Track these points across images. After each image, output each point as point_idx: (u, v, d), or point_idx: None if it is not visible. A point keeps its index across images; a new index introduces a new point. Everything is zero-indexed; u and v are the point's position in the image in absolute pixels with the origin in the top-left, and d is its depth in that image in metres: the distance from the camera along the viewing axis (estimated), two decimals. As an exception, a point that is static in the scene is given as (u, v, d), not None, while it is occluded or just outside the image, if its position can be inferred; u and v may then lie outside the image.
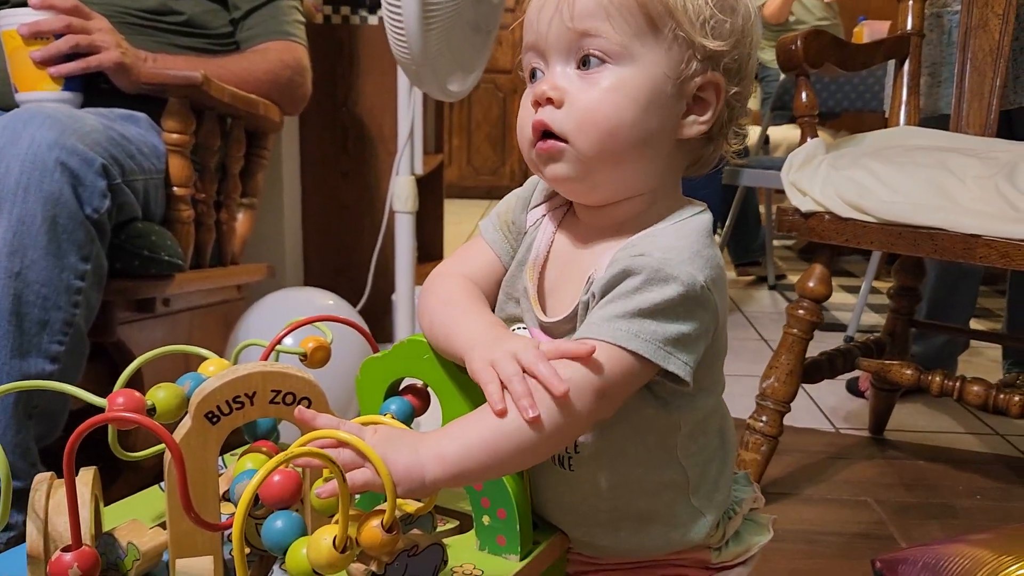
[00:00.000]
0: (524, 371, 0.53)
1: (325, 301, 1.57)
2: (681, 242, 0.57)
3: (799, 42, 1.31)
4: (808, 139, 1.35)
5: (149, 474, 1.23)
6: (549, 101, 0.59)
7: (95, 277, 1.07)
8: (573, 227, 0.66)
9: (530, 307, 0.64)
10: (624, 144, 0.58)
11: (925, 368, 1.37)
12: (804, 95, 1.36)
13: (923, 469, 1.54)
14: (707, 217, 0.61)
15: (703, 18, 0.57)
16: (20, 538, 1.03)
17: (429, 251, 2.84)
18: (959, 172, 1.17)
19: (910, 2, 1.50)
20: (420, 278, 2.03)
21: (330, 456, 0.46)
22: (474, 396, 0.60)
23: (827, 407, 1.85)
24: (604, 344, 0.53)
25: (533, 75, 0.61)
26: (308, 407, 0.57)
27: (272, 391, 0.56)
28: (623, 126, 0.58)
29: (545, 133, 0.59)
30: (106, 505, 0.67)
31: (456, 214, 4.19)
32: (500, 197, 0.73)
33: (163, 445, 0.61)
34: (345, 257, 2.16)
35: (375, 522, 0.50)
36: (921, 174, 1.19)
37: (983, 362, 2.14)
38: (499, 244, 0.68)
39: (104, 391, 1.26)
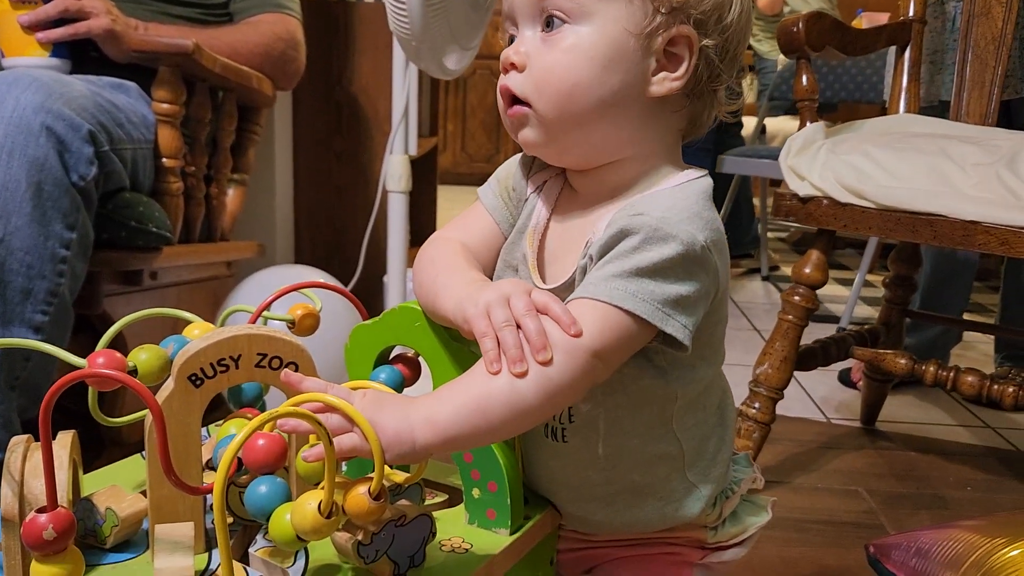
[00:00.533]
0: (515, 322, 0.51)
1: (315, 279, 1.55)
2: (681, 203, 0.55)
3: (800, 24, 1.29)
4: (807, 123, 1.34)
5: (134, 450, 1.21)
6: (513, 66, 0.58)
7: (81, 246, 1.05)
8: (572, 194, 0.64)
9: (528, 275, 0.63)
10: (584, 105, 0.57)
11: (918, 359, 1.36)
12: (804, 78, 1.34)
13: (914, 460, 1.53)
14: (707, 181, 0.59)
15: None
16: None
17: (422, 235, 2.81)
18: (959, 159, 1.16)
19: (912, -11, 1.48)
20: (412, 260, 2.01)
21: (317, 418, 0.44)
22: (466, 366, 0.58)
23: (819, 397, 1.84)
24: (600, 304, 0.52)
25: (511, 43, 0.60)
26: (295, 371, 0.56)
27: (258, 354, 0.54)
28: (579, 86, 0.57)
29: (514, 99, 0.59)
30: (86, 473, 0.65)
31: (450, 200, 4.16)
32: None
33: (145, 410, 0.59)
34: (337, 237, 2.14)
35: (362, 489, 0.49)
36: (921, 160, 1.17)
37: (975, 356, 2.14)
38: (499, 211, 0.66)
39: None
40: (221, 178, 1.46)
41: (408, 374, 0.63)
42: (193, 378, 0.53)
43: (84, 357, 0.53)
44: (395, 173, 1.64)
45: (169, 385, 0.53)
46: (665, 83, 0.57)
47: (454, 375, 0.59)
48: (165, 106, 1.24)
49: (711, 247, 0.54)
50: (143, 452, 0.68)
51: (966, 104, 1.48)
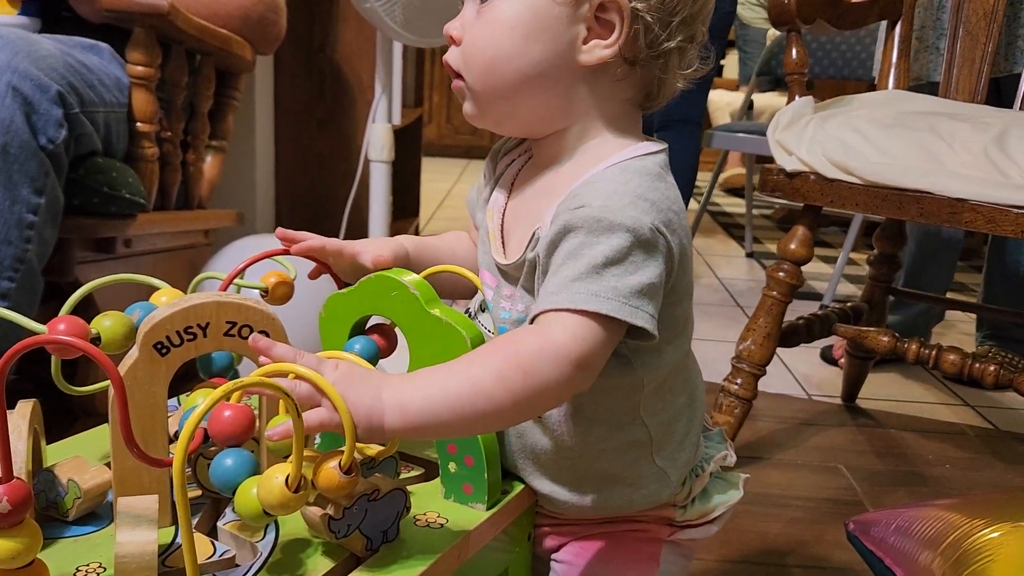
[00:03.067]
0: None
1: (295, 250, 1.53)
2: (622, 186, 0.53)
3: (792, -4, 1.27)
4: (796, 97, 1.32)
5: (105, 420, 1.19)
6: (452, 40, 0.59)
7: (49, 212, 1.02)
8: (531, 167, 0.64)
9: (488, 248, 0.62)
10: (508, 76, 0.57)
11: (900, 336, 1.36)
12: (795, 51, 1.32)
13: (894, 437, 1.54)
14: (656, 158, 0.58)
15: None
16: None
17: (404, 207, 2.79)
18: (948, 137, 1.15)
19: (905, -38, 1.46)
20: (395, 232, 1.98)
21: (285, 389, 0.42)
22: (443, 338, 0.56)
23: (800, 374, 1.84)
24: (566, 313, 0.51)
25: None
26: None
27: (227, 322, 0.52)
28: (499, 58, 0.57)
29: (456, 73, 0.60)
30: (50, 444, 0.63)
31: (435, 172, 4.12)
32: (479, 157, 0.73)
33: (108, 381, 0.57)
34: (318, 207, 2.10)
35: (332, 463, 0.47)
36: (910, 137, 1.16)
37: (955, 335, 2.14)
38: (471, 205, 0.69)
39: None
40: (199, 144, 1.43)
41: (384, 345, 0.61)
42: (159, 346, 0.51)
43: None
44: (377, 142, 1.62)
45: (133, 353, 0.51)
46: (595, 51, 0.56)
47: (431, 348, 0.57)
48: (139, 68, 1.20)
49: (660, 228, 0.52)
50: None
51: (956, 81, 1.47)
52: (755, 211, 3.63)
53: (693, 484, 0.63)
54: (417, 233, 2.88)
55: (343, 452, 0.47)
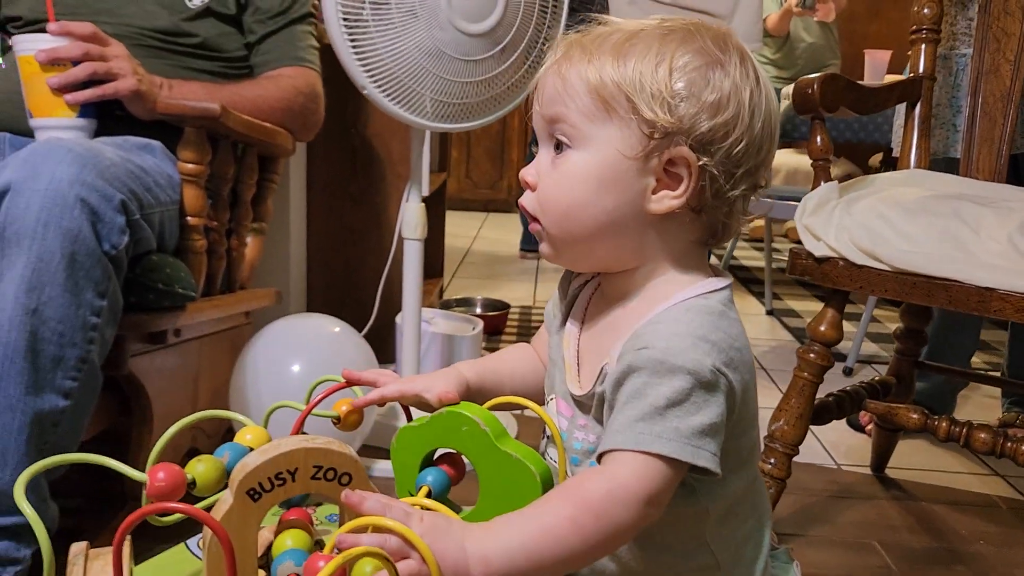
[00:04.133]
0: None
1: (332, 328, 1.57)
2: (684, 327, 0.57)
3: (816, 86, 1.31)
4: (822, 183, 1.36)
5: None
6: (527, 185, 0.63)
7: (111, 313, 1.06)
8: (600, 297, 0.68)
9: (564, 377, 0.65)
10: (582, 224, 0.61)
11: (925, 404, 1.38)
12: (819, 139, 1.36)
13: (925, 511, 1.54)
14: (719, 296, 0.61)
15: (663, 96, 0.57)
16: (26, 572, 1.03)
17: (429, 269, 2.83)
18: (973, 223, 1.18)
19: (923, 45, 1.51)
20: (425, 302, 2.01)
21: (386, 555, 0.46)
22: (512, 473, 0.60)
23: (828, 442, 1.85)
24: (630, 453, 0.54)
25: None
26: (349, 482, 0.57)
27: (314, 466, 0.56)
28: (574, 207, 0.61)
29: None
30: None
31: (454, 226, 4.18)
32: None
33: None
34: (350, 281, 2.15)
35: (421, 612, 0.50)
36: (935, 224, 1.19)
37: (981, 398, 2.15)
38: (550, 319, 0.72)
39: (113, 422, 1.25)
40: (242, 231, 1.48)
41: (453, 474, 0.64)
42: (251, 493, 0.54)
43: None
44: (411, 221, 1.66)
45: (228, 500, 0.54)
46: (664, 201, 0.60)
47: (500, 481, 0.60)
48: (191, 166, 1.26)
49: (721, 368, 0.56)
50: (187, 541, 0.69)
51: (976, 160, 1.51)
52: (773, 264, 3.65)
53: (760, 607, 0.65)
54: (442, 295, 2.92)
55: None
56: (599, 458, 0.57)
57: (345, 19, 1.34)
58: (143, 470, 0.65)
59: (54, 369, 1.01)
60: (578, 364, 0.66)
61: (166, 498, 0.54)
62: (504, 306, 2.69)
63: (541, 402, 0.70)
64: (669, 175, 0.59)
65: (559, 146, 0.61)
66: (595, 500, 0.53)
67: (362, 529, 0.50)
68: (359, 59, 1.37)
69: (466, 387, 0.69)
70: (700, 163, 0.58)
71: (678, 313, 0.59)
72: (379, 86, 1.39)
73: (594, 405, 0.62)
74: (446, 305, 2.66)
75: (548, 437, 0.68)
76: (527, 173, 0.63)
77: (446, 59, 1.38)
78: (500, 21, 1.37)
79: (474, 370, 0.71)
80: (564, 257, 0.64)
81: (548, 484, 0.60)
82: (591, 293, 0.69)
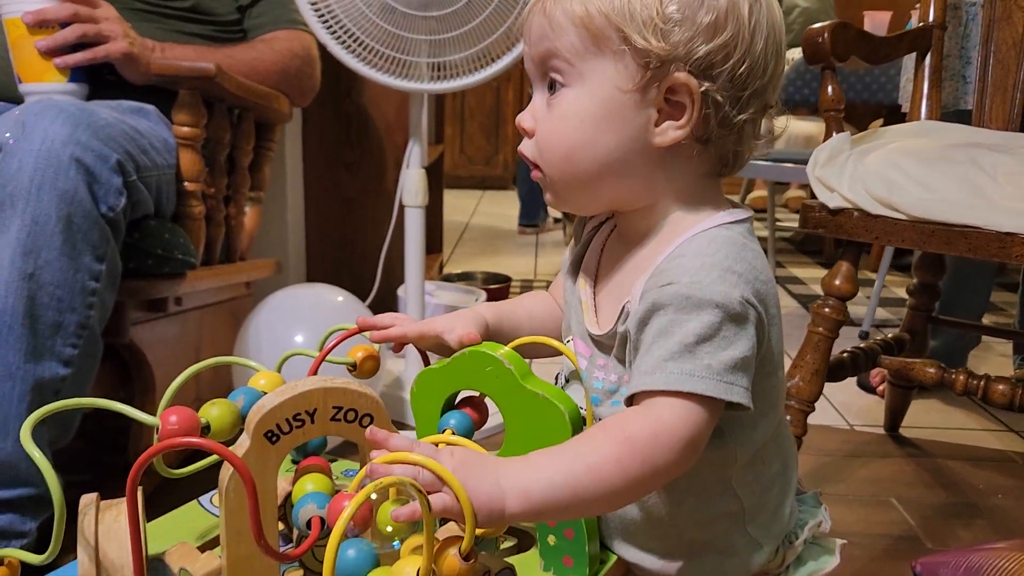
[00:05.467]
0: None
1: (335, 297, 1.53)
2: (709, 259, 0.54)
3: (826, 34, 1.28)
4: (833, 134, 1.33)
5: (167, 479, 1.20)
6: (524, 132, 0.61)
7: (110, 278, 1.03)
8: (617, 237, 0.65)
9: (581, 318, 0.63)
10: (585, 166, 0.58)
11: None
12: (830, 89, 1.33)
13: (941, 467, 1.53)
14: (740, 227, 0.58)
15: (655, 22, 0.54)
16: (32, 545, 1.00)
17: (428, 243, 2.79)
18: (991, 169, 1.15)
19: (933, -6, 1.47)
20: (426, 271, 1.98)
21: (418, 485, 0.43)
22: (539, 412, 0.57)
23: (839, 403, 1.83)
24: (671, 397, 0.51)
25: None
26: (370, 423, 0.54)
27: (333, 407, 0.53)
28: (575, 149, 0.58)
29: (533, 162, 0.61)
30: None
31: (451, 203, 4.15)
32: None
33: (206, 460, 0.58)
34: (348, 251, 2.12)
35: (452, 551, 0.47)
36: (953, 171, 1.17)
37: (993, 357, 2.13)
38: (565, 263, 0.69)
39: (115, 392, 1.22)
40: (240, 198, 1.44)
41: (476, 418, 0.62)
42: (269, 435, 0.51)
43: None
44: (412, 188, 1.63)
45: (245, 442, 0.51)
46: (669, 132, 0.57)
47: (527, 422, 0.58)
48: (186, 129, 1.22)
49: (750, 299, 0.53)
50: (200, 498, 0.67)
51: (988, 110, 1.48)
52: (776, 234, 3.63)
53: (787, 552, 0.63)
54: (442, 269, 2.89)
55: (461, 538, 0.47)
56: (628, 400, 0.54)
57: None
58: (148, 439, 0.62)
59: (53, 336, 0.98)
60: (595, 304, 0.63)
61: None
62: (506, 279, 2.66)
63: None
64: (671, 104, 0.56)
65: (553, 86, 0.58)
66: (640, 442, 0.50)
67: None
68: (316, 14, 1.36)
69: (485, 327, 0.66)
70: (702, 89, 0.55)
71: (700, 244, 0.56)
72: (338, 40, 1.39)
73: (616, 345, 0.59)
74: (447, 279, 2.63)
75: (566, 379, 0.66)
76: (523, 119, 0.60)
77: (396, 13, 1.34)
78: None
79: (492, 311, 0.68)
80: (570, 202, 0.62)
81: (577, 424, 0.57)
82: (607, 235, 0.66)
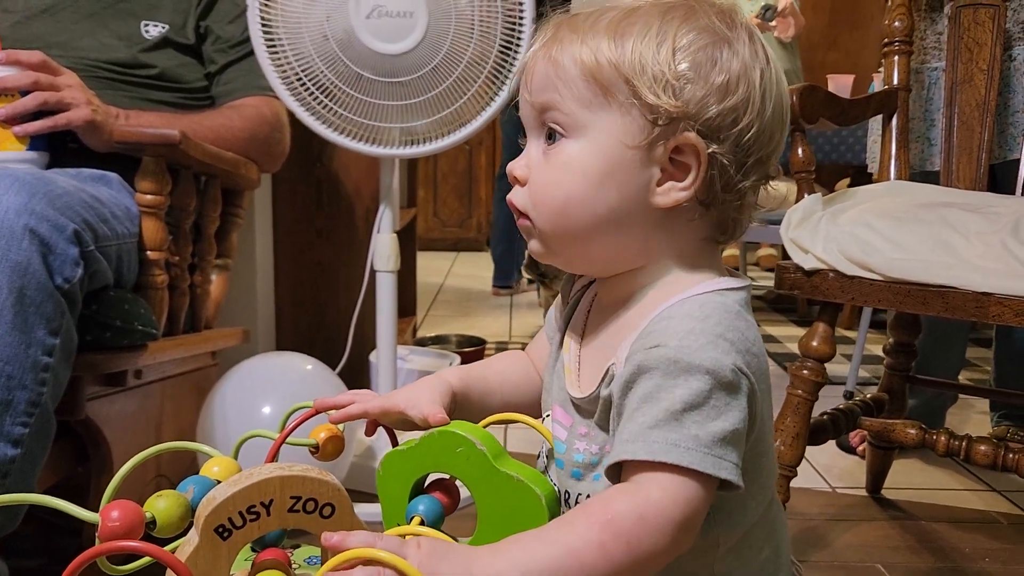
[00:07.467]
0: None
1: (304, 366, 1.49)
2: (700, 323, 0.51)
3: (795, 97, 1.29)
4: (805, 195, 1.33)
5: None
6: (516, 180, 0.58)
7: (64, 352, 0.98)
8: (606, 296, 0.62)
9: (563, 382, 0.60)
10: (580, 221, 0.55)
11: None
12: (800, 151, 1.34)
13: (926, 530, 1.49)
14: (736, 295, 0.55)
15: (666, 78, 0.52)
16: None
17: (401, 307, 2.76)
18: (962, 228, 1.15)
19: (896, 57, 1.50)
20: (400, 337, 1.94)
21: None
22: (515, 496, 0.53)
23: (820, 465, 1.80)
24: (650, 472, 0.48)
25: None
26: (332, 514, 0.50)
27: (291, 498, 0.49)
28: (572, 203, 0.55)
29: (520, 211, 0.58)
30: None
31: (423, 267, 4.12)
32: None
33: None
34: (320, 317, 2.08)
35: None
36: (925, 230, 1.17)
37: (971, 414, 2.12)
38: (550, 324, 0.67)
39: (70, 472, 1.16)
40: (206, 266, 1.41)
41: (447, 503, 0.58)
42: (220, 530, 0.47)
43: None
44: (383, 252, 1.60)
45: (193, 539, 0.47)
46: (671, 193, 0.55)
47: (501, 506, 0.54)
48: (149, 197, 1.19)
49: (742, 368, 0.50)
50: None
51: (955, 170, 1.49)
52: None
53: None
54: (415, 333, 2.85)
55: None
56: (611, 471, 0.51)
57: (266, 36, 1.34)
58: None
59: (2, 414, 0.93)
60: (579, 367, 0.60)
61: (121, 540, 0.47)
62: (480, 342, 2.62)
63: (535, 413, 0.64)
64: (675, 165, 0.54)
65: (551, 136, 0.56)
66: (626, 525, 0.47)
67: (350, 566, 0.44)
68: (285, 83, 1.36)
69: (452, 397, 0.62)
70: (709, 150, 0.53)
71: (691, 308, 0.53)
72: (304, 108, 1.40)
73: (598, 410, 0.56)
74: (420, 343, 2.59)
75: (548, 456, 0.62)
76: (516, 167, 0.58)
77: (365, 80, 1.34)
78: (420, 42, 1.32)
79: (459, 377, 0.65)
80: (557, 255, 0.59)
81: (554, 509, 0.54)
82: (593, 296, 0.63)
